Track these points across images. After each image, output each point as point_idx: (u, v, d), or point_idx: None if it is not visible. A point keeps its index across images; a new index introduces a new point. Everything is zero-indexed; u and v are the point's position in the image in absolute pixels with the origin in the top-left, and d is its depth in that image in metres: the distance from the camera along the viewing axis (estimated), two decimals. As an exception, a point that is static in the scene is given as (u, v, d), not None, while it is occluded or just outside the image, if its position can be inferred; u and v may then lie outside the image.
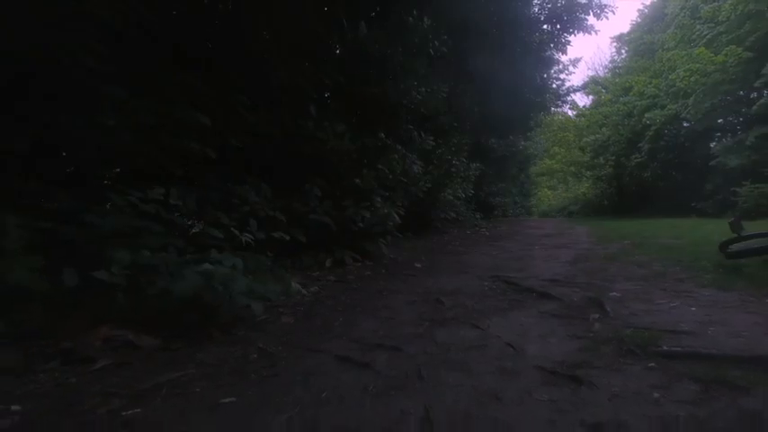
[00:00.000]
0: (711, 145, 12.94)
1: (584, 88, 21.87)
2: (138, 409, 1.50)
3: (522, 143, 22.06)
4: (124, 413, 1.45)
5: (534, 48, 12.42)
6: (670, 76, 13.23)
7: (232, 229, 3.02)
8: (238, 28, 4.31)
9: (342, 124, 5.56)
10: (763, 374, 1.60)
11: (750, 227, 5.07)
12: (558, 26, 12.11)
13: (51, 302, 2.23)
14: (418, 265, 5.28)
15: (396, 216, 5.92)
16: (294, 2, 4.69)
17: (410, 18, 6.50)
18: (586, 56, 37.41)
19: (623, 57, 24.97)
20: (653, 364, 1.78)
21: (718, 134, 12.66)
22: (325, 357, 2.04)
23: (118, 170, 3.89)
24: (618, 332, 2.21)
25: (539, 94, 16.14)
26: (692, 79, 12.22)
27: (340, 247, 5.25)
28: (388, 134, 6.53)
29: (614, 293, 3.16)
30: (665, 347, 1.94)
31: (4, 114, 2.82)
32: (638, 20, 23.40)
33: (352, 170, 5.89)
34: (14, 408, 1.47)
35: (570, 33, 12.38)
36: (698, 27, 13.76)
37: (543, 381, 1.69)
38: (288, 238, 3.66)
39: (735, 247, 3.94)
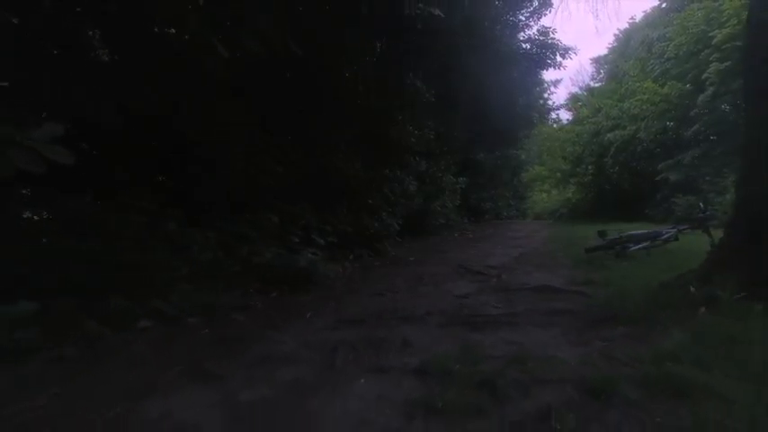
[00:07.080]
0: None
1: (566, 105, 24.50)
2: (302, 306, 4.07)
3: (515, 151, 24.42)
4: (306, 312, 4.02)
5: (515, 77, 14.95)
6: (624, 104, 15.85)
7: (313, 237, 5.57)
8: (307, 115, 6.88)
9: (359, 161, 8.18)
10: (533, 292, 4.18)
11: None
12: (532, 63, 14.72)
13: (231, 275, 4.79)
14: (412, 259, 7.82)
15: (396, 225, 8.53)
16: (332, 93, 7.27)
17: (407, 80, 9.08)
18: (571, 72, 40.05)
19: (602, 76, 27.60)
20: (501, 294, 4.34)
21: (667, 153, 15.12)
22: (364, 296, 4.61)
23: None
24: (498, 285, 4.78)
25: (524, 111, 18.70)
26: (644, 107, 14.81)
27: (358, 247, 7.82)
28: (391, 166, 9.12)
29: (516, 271, 5.71)
30: (510, 288, 4.50)
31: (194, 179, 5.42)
32: (615, 44, 26.05)
33: (366, 193, 8.49)
34: (258, 303, 4.04)
35: (542, 69, 15.08)
36: (652, 61, 16.35)
37: (454, 298, 4.27)
38: (335, 241, 6.22)
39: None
